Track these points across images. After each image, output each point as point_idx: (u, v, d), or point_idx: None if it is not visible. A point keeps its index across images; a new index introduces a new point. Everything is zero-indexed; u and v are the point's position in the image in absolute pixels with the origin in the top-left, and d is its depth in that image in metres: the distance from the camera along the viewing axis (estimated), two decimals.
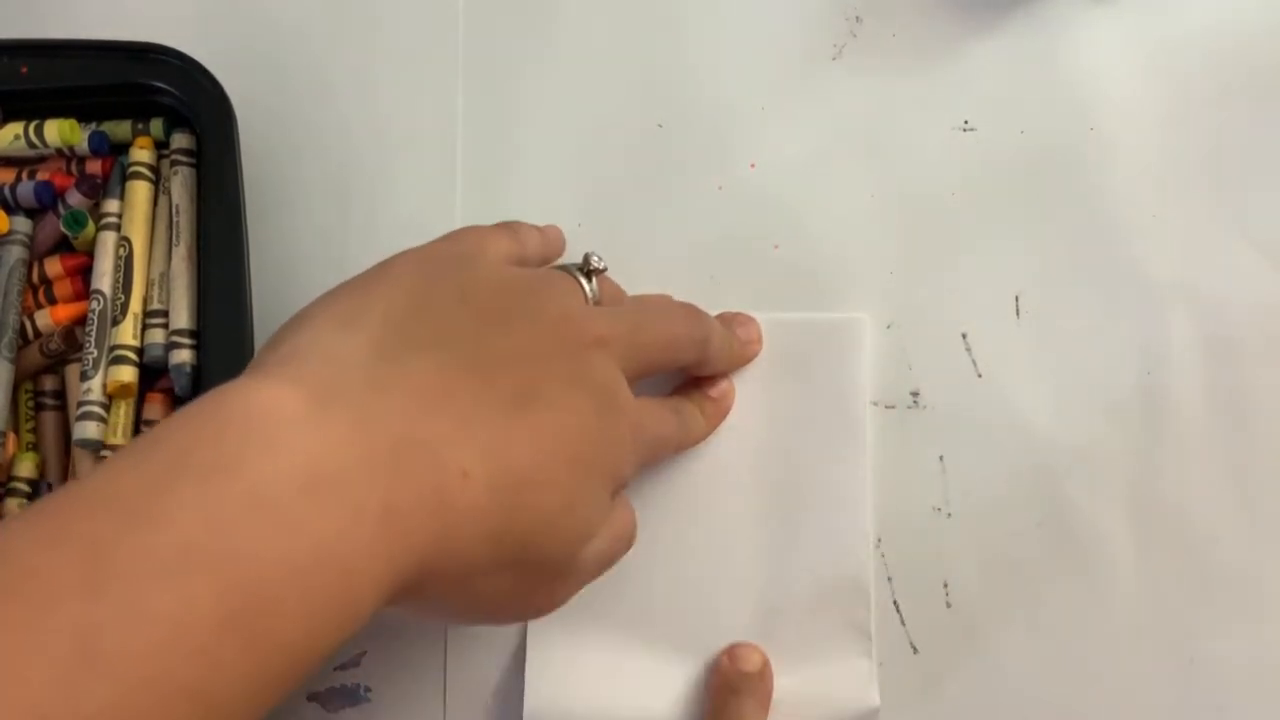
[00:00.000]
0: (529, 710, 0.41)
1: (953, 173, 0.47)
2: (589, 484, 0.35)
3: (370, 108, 0.49)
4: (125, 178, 0.46)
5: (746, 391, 0.45)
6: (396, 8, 0.50)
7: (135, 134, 0.47)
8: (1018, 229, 0.46)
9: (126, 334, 0.44)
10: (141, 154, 0.46)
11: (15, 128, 0.46)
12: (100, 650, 0.23)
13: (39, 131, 0.46)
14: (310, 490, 0.27)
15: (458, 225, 0.47)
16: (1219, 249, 0.46)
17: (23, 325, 0.45)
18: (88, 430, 0.43)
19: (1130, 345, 0.45)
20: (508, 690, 0.44)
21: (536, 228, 0.43)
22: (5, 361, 0.44)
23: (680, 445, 0.43)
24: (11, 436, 0.45)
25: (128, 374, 0.44)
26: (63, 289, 0.46)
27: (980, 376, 0.45)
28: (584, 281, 0.39)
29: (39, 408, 0.46)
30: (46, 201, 0.46)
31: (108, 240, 0.45)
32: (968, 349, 0.45)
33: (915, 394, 0.45)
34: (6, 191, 0.46)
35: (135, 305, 0.45)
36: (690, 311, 0.42)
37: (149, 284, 0.45)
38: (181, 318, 0.44)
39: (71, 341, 0.45)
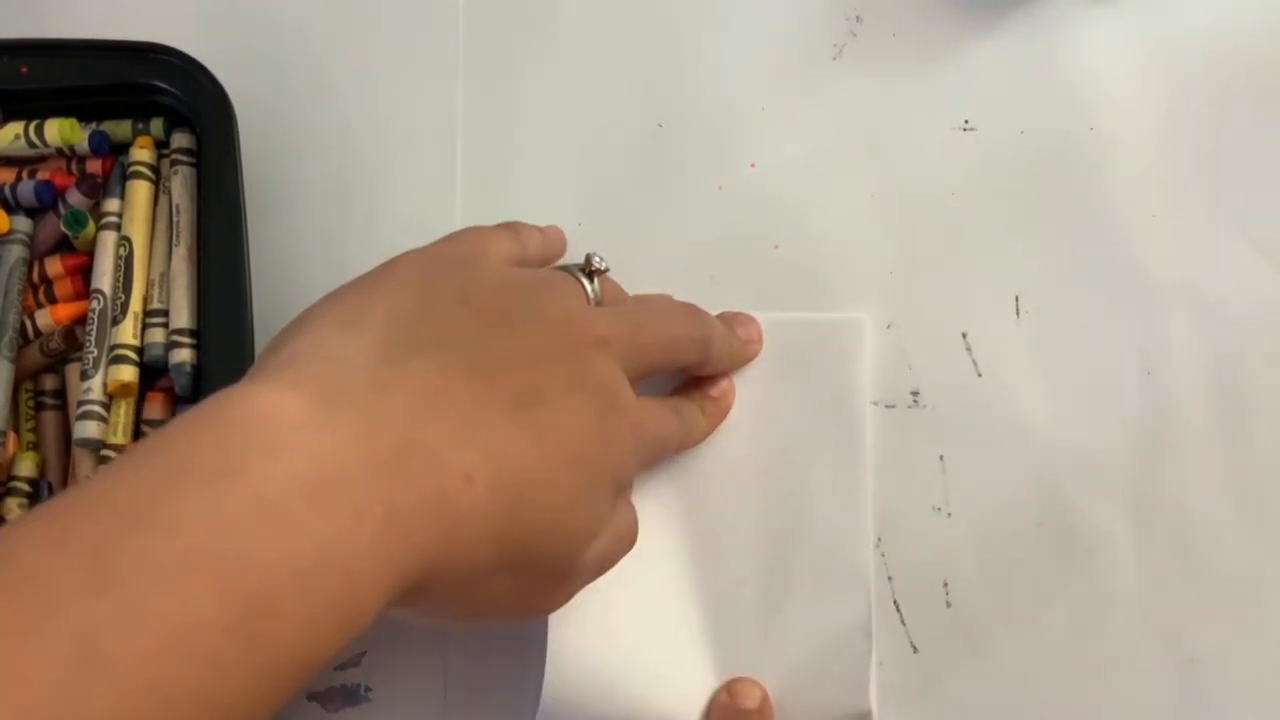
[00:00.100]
0: (545, 702, 0.41)
1: (953, 173, 0.47)
2: (591, 485, 0.35)
3: (370, 108, 0.49)
4: (125, 177, 0.46)
5: (747, 391, 0.45)
6: (396, 8, 0.50)
7: (135, 134, 0.47)
8: (1018, 229, 0.46)
9: (126, 333, 0.44)
10: (141, 154, 0.46)
11: (15, 127, 0.46)
12: (103, 653, 0.23)
13: (39, 131, 0.46)
14: (312, 493, 0.28)
15: (458, 225, 0.47)
16: (1219, 249, 0.46)
17: (23, 325, 0.45)
18: (88, 430, 0.43)
19: (1130, 345, 0.45)
20: (508, 690, 0.44)
21: (538, 228, 0.43)
22: (5, 361, 0.44)
23: (681, 445, 0.43)
24: (12, 436, 0.45)
25: (128, 373, 0.44)
26: (63, 288, 0.46)
27: (980, 376, 0.45)
28: (585, 282, 0.39)
29: (39, 407, 0.46)
30: (47, 201, 0.46)
31: (108, 240, 0.45)
32: (968, 349, 0.45)
33: (915, 394, 0.45)
34: (7, 191, 0.46)
35: (135, 305, 0.45)
36: (691, 312, 0.42)
37: (149, 283, 0.45)
38: (181, 317, 0.44)
39: (72, 341, 0.45)
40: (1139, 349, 0.45)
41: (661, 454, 0.42)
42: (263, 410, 0.28)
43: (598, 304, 0.39)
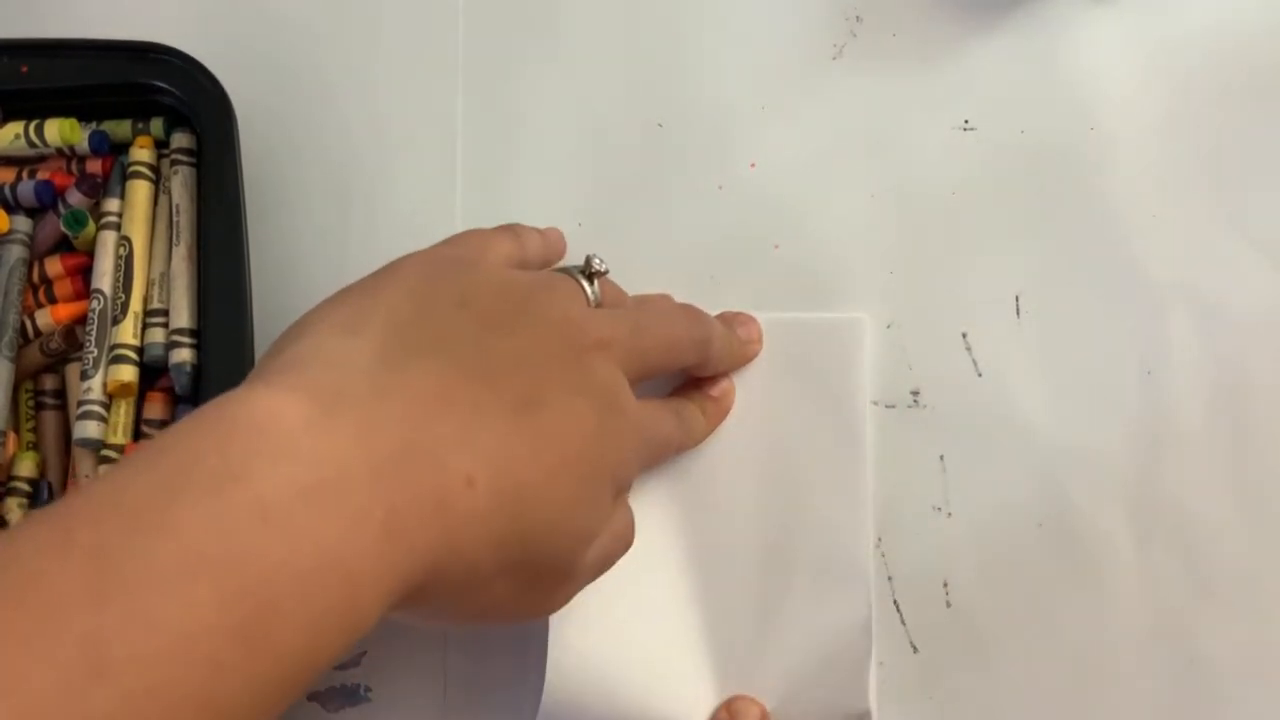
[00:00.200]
0: (546, 703, 0.41)
1: (953, 173, 0.47)
2: (592, 488, 0.35)
3: (370, 108, 0.49)
4: (125, 177, 0.46)
5: (747, 391, 0.45)
6: (396, 8, 0.49)
7: (135, 134, 0.47)
8: (1018, 229, 0.46)
9: (126, 333, 0.44)
10: (141, 153, 0.46)
11: (15, 127, 0.46)
12: (106, 658, 0.23)
13: (39, 131, 0.45)
14: (313, 497, 0.28)
15: (458, 225, 0.47)
16: (1219, 249, 0.46)
17: (23, 324, 0.45)
18: (88, 429, 0.43)
19: (1130, 345, 0.45)
20: (508, 690, 0.44)
21: (538, 230, 0.43)
22: (5, 361, 0.44)
23: (681, 446, 0.43)
24: (12, 436, 0.45)
25: (128, 373, 0.44)
26: (63, 288, 0.46)
27: (980, 376, 0.45)
28: (585, 284, 0.39)
29: (39, 407, 0.46)
30: (47, 201, 0.46)
31: (108, 240, 0.45)
32: (968, 349, 0.45)
33: (915, 394, 0.45)
34: (7, 191, 0.46)
35: (135, 304, 0.45)
36: (691, 313, 0.42)
37: (149, 283, 0.45)
38: (181, 317, 0.44)
39: (72, 341, 0.45)
40: (1139, 349, 0.45)
41: (662, 455, 0.42)
42: (263, 415, 0.28)
43: (597, 306, 0.39)
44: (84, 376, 0.44)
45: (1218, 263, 0.45)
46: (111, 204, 0.46)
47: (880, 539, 0.44)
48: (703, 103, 0.48)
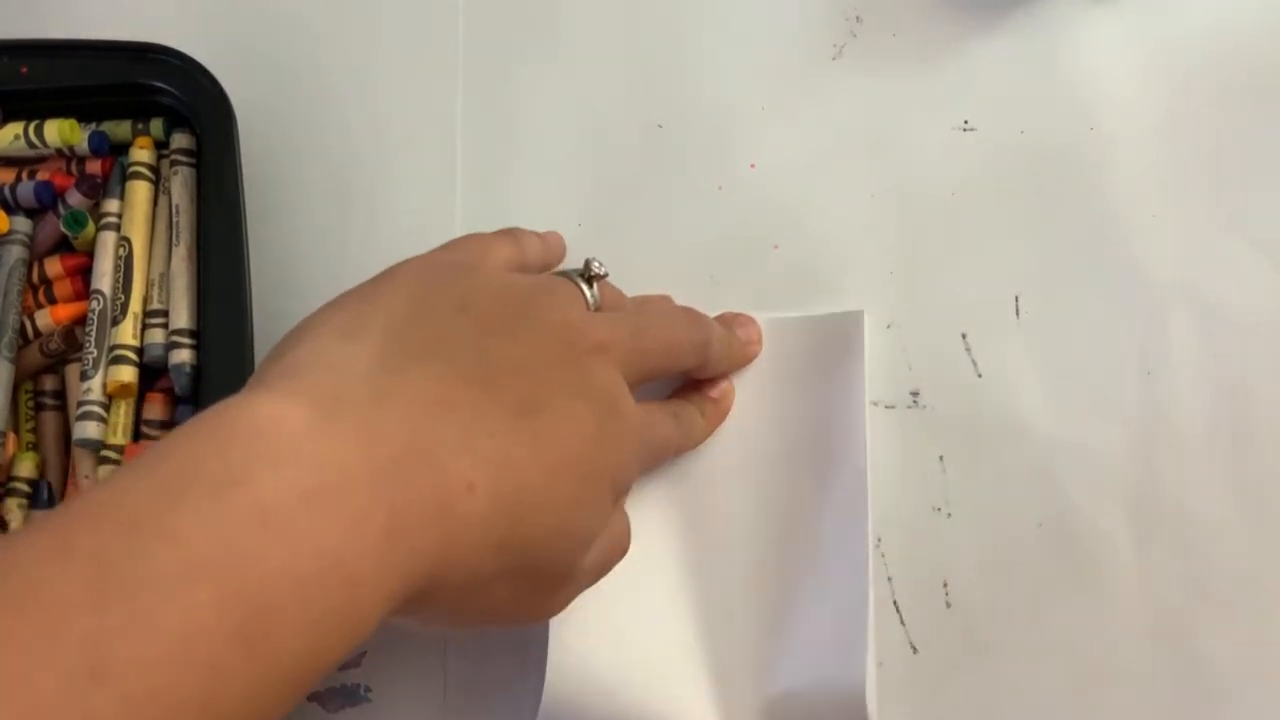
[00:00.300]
0: (546, 705, 0.41)
1: (953, 173, 0.47)
2: (591, 492, 0.35)
3: (370, 108, 0.49)
4: (125, 178, 0.46)
5: (747, 392, 0.45)
6: (396, 8, 0.49)
7: (135, 134, 0.47)
8: (1018, 229, 0.46)
9: (126, 334, 0.44)
10: (141, 154, 0.46)
11: (15, 128, 0.46)
12: (106, 662, 0.23)
13: (39, 131, 0.46)
14: (313, 500, 0.28)
15: (458, 226, 0.47)
16: (1219, 249, 0.46)
17: (23, 325, 0.45)
18: (88, 430, 0.43)
19: (1130, 345, 0.45)
20: (508, 690, 0.44)
21: (538, 234, 0.43)
22: (5, 361, 0.44)
23: (681, 448, 0.43)
24: (11, 436, 0.45)
25: (128, 374, 0.44)
26: (63, 289, 0.46)
27: (980, 376, 0.45)
28: (585, 287, 0.39)
29: (39, 407, 0.46)
30: (46, 201, 0.46)
31: (108, 240, 0.45)
32: (968, 349, 0.45)
33: (915, 394, 0.45)
34: (6, 191, 0.46)
35: (135, 305, 0.45)
36: (690, 315, 0.42)
37: (149, 284, 0.45)
38: (181, 318, 0.44)
39: (71, 341, 0.45)
40: (1139, 349, 0.45)
41: (661, 458, 0.42)
42: (264, 420, 0.28)
43: (597, 309, 0.39)
44: (84, 377, 0.44)
45: (1218, 263, 0.45)
46: (111, 204, 0.46)
47: (880, 539, 0.44)
48: (703, 103, 0.48)
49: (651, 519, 0.43)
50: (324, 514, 0.28)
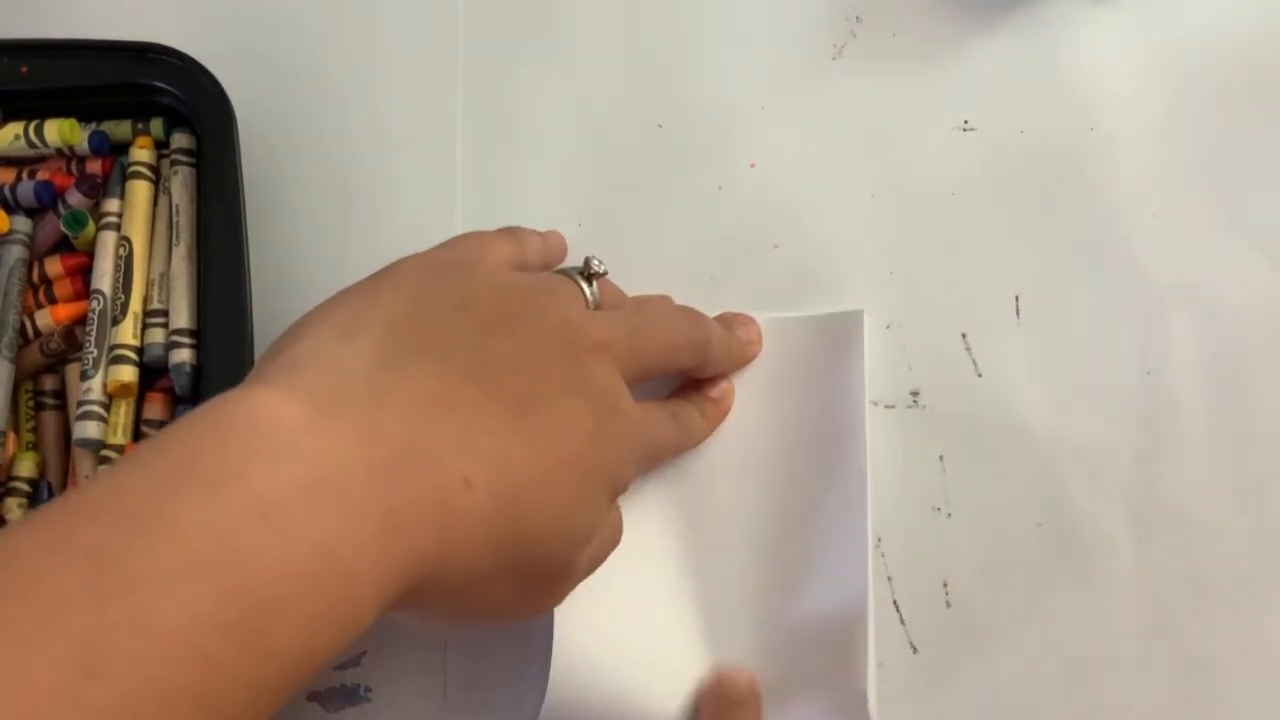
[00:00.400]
0: (549, 702, 0.41)
1: (953, 173, 0.47)
2: (589, 490, 0.35)
3: (370, 108, 0.49)
4: (125, 177, 0.46)
5: (746, 391, 0.45)
6: (396, 8, 0.50)
7: (135, 134, 0.47)
8: (1018, 229, 0.46)
9: (126, 334, 0.44)
10: (141, 154, 0.46)
11: (15, 128, 0.46)
12: (104, 656, 0.24)
13: (39, 131, 0.46)
14: (311, 495, 0.28)
15: (458, 226, 0.47)
16: (1219, 249, 0.46)
17: (23, 325, 0.45)
18: (88, 430, 0.43)
19: (1130, 345, 0.45)
20: (508, 689, 0.44)
21: (538, 233, 0.43)
22: (5, 361, 0.44)
23: (680, 448, 0.43)
24: (11, 436, 0.45)
25: (128, 373, 0.44)
26: (63, 289, 0.46)
27: (980, 376, 0.45)
28: (584, 286, 0.39)
29: (39, 407, 0.46)
30: (46, 201, 0.46)
31: (108, 240, 0.45)
32: (968, 349, 0.45)
33: (915, 394, 0.45)
34: (6, 191, 0.46)
35: (135, 305, 0.45)
36: (690, 315, 0.42)
37: (149, 284, 0.45)
38: (181, 317, 0.44)
39: (71, 341, 0.45)
40: (1139, 349, 0.45)
41: (660, 457, 0.42)
42: (262, 415, 0.29)
43: (596, 308, 0.39)
44: (84, 377, 0.44)
45: (1218, 263, 0.45)
46: (111, 204, 0.46)
47: (880, 539, 0.44)
48: (703, 103, 0.48)
49: (652, 519, 0.43)
50: (322, 509, 0.28)
